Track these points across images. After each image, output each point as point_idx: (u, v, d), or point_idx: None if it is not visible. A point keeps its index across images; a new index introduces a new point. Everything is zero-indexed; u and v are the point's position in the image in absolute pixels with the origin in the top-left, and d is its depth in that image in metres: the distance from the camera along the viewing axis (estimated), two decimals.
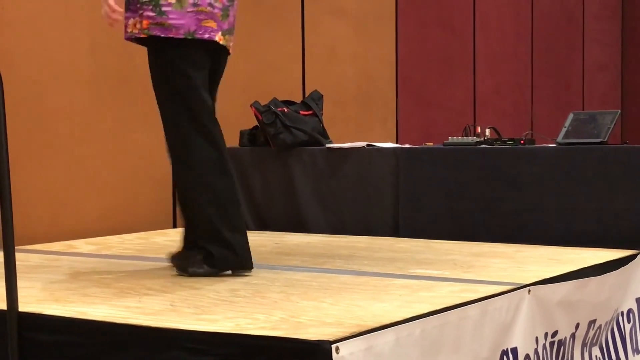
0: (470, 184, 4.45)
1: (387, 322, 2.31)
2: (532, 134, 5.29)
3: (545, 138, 4.91)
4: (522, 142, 4.55)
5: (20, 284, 2.49)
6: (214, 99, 3.34)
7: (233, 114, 5.39)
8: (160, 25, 3.12)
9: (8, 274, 2.43)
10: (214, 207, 3.16)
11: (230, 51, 3.36)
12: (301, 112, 5.09)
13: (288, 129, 4.93)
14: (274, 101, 5.04)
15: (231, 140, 5.21)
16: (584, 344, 3.23)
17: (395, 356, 2.26)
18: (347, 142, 4.93)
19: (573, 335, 3.15)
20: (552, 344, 3.02)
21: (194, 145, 3.16)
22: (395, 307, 2.59)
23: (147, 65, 3.25)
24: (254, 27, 5.73)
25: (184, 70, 3.16)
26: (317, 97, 5.23)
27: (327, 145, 4.96)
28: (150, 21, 3.13)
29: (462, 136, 4.88)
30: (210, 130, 3.18)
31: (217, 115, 3.27)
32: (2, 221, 2.46)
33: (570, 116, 4.51)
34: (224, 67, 3.39)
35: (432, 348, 2.40)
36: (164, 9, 3.11)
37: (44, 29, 4.50)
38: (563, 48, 9.45)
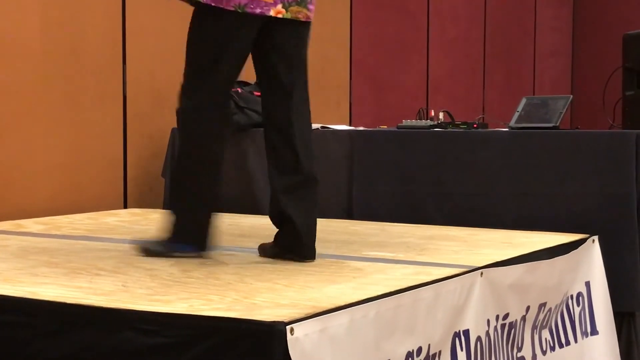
0: (424, 167, 4.46)
1: (342, 303, 2.31)
2: (484, 118, 5.32)
3: (498, 122, 4.94)
4: (475, 126, 4.57)
5: None
6: None
7: None
8: None
9: None
10: None
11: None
12: (255, 93, 5.05)
13: (242, 110, 4.89)
14: None
15: None
16: (534, 327, 3.27)
17: (349, 337, 2.26)
18: None
19: (524, 318, 3.18)
20: (503, 326, 3.04)
21: None
22: (349, 289, 2.59)
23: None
24: None
25: None
26: None
27: None
28: None
29: (416, 119, 4.89)
30: None
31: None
32: None
33: (523, 101, 4.54)
34: None
35: (387, 329, 2.41)
36: None
37: None
38: (515, 33, 9.52)
